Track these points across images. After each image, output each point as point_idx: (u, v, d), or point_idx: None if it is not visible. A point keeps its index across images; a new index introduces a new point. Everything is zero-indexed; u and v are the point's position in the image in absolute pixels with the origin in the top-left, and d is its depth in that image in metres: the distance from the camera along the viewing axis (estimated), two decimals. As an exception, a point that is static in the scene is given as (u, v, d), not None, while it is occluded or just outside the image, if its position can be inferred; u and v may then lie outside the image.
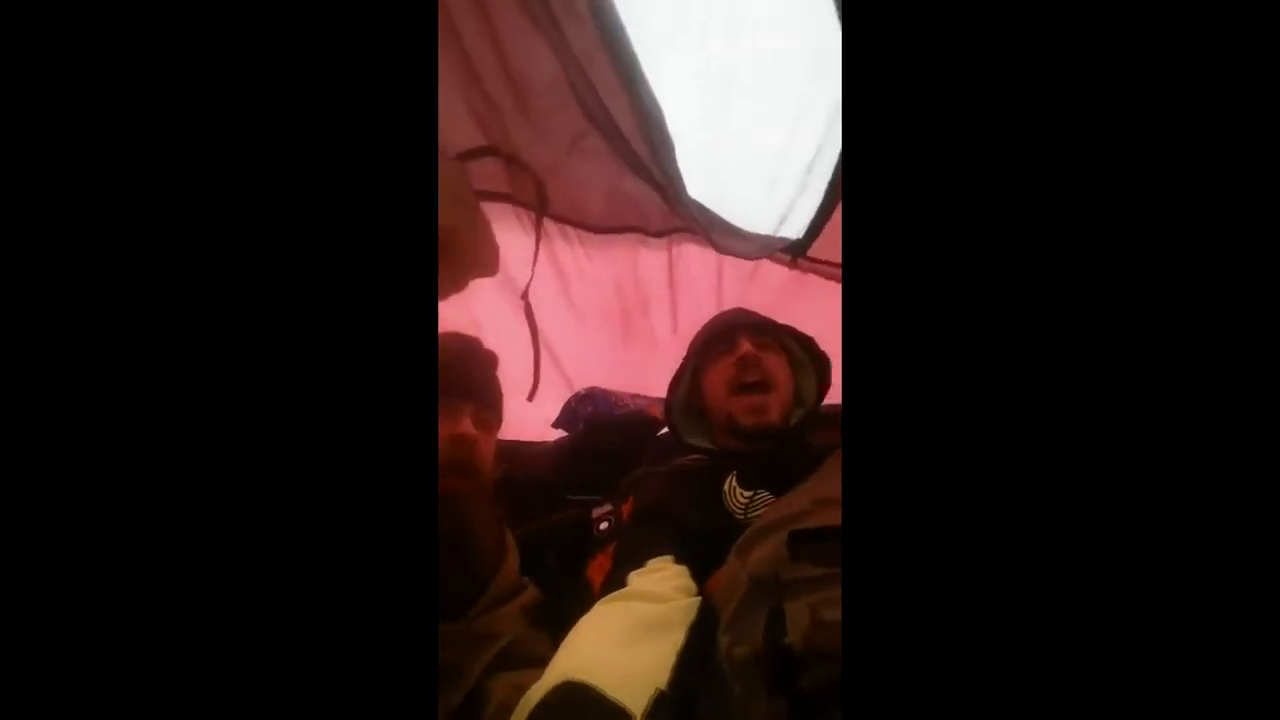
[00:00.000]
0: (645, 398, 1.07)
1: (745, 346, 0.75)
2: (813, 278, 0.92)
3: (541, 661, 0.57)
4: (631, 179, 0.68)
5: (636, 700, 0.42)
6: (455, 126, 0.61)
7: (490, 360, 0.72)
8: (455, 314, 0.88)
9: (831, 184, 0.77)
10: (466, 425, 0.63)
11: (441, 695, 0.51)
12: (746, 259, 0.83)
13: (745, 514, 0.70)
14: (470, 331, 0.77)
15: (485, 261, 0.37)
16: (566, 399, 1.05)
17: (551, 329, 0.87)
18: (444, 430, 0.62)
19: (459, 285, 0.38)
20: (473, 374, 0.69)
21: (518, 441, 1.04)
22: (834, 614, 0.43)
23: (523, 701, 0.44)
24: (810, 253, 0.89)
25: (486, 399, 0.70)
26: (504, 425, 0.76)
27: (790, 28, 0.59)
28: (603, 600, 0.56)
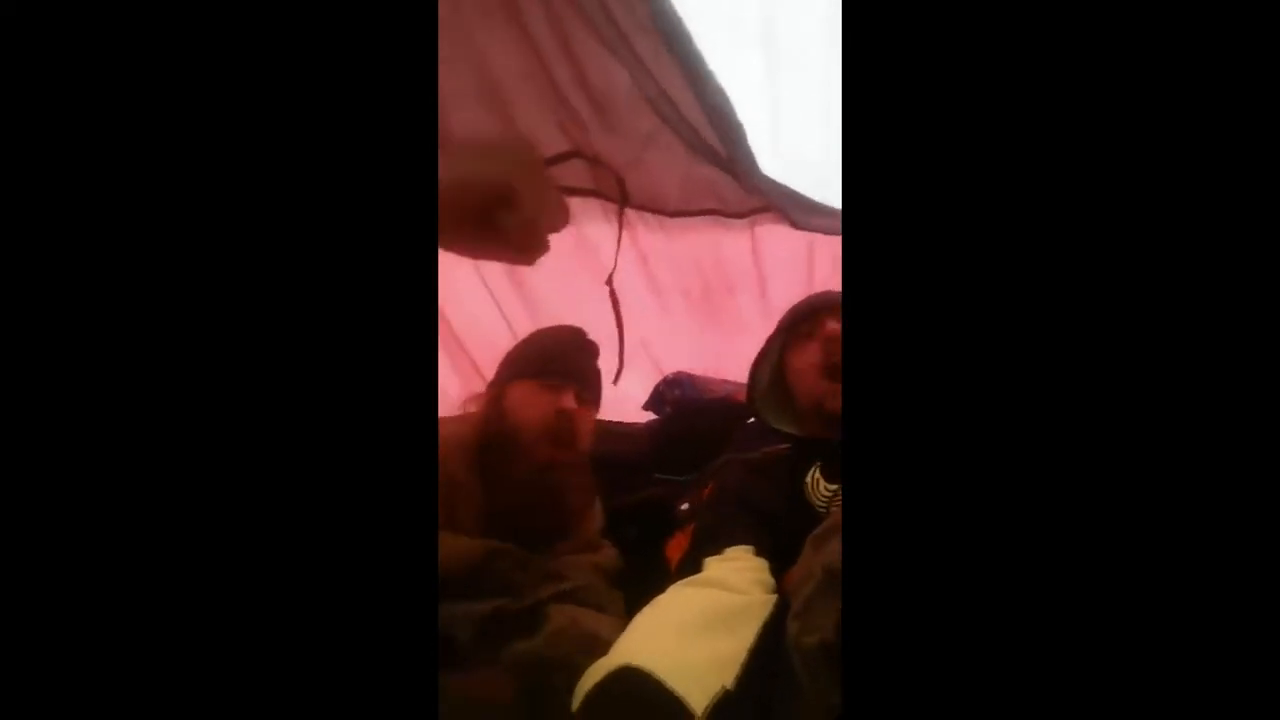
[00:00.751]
0: (733, 383, 1.08)
1: (830, 327, 0.72)
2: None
3: (605, 609, 0.62)
4: (704, 166, 0.72)
5: (699, 695, 0.40)
6: (543, 135, 0.71)
7: (593, 349, 0.83)
8: (548, 302, 0.99)
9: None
10: (569, 401, 0.73)
11: (500, 606, 0.57)
12: (829, 234, 0.82)
13: (828, 508, 0.68)
14: (563, 317, 0.87)
15: (553, 217, 0.41)
16: (656, 383, 1.11)
17: (638, 314, 0.94)
18: (549, 404, 0.72)
19: (536, 242, 0.41)
20: (577, 359, 0.80)
21: (613, 422, 1.12)
22: None
23: (582, 679, 0.43)
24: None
25: (588, 381, 0.80)
26: (601, 408, 0.85)
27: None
28: (677, 584, 0.56)
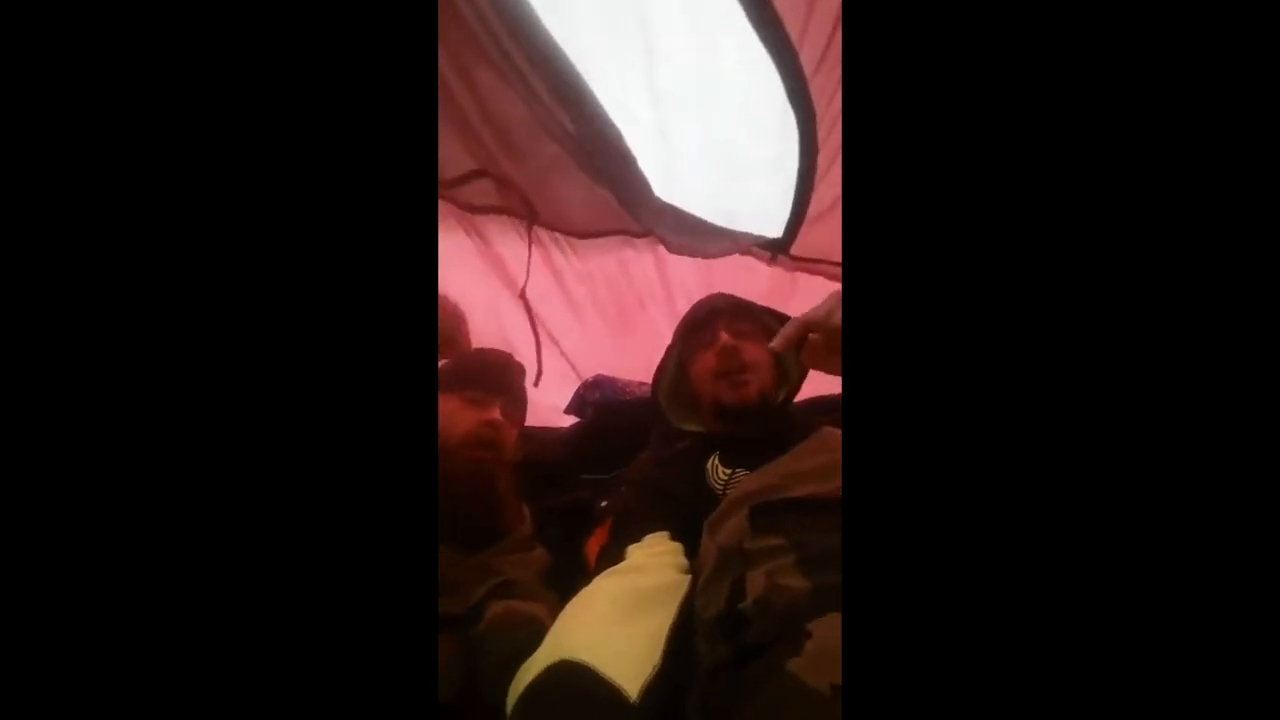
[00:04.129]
0: (649, 385, 1.14)
1: (724, 338, 0.79)
2: (799, 275, 0.95)
3: (539, 599, 0.64)
4: (603, 190, 0.78)
5: (633, 679, 0.42)
6: (450, 157, 0.75)
7: (520, 370, 0.88)
8: (473, 316, 1.02)
9: (800, 181, 0.81)
10: (496, 413, 0.78)
11: (442, 606, 0.57)
12: (707, 258, 0.89)
13: (724, 490, 0.73)
14: (489, 334, 0.91)
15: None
16: (576, 387, 1.16)
17: (555, 326, 0.99)
18: (478, 415, 0.76)
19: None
20: (505, 378, 0.85)
21: (538, 428, 1.16)
22: (786, 579, 0.47)
23: (518, 676, 0.44)
24: (794, 250, 0.93)
25: (514, 396, 0.85)
26: (526, 414, 0.89)
27: (720, 40, 0.66)
28: (601, 575, 0.58)
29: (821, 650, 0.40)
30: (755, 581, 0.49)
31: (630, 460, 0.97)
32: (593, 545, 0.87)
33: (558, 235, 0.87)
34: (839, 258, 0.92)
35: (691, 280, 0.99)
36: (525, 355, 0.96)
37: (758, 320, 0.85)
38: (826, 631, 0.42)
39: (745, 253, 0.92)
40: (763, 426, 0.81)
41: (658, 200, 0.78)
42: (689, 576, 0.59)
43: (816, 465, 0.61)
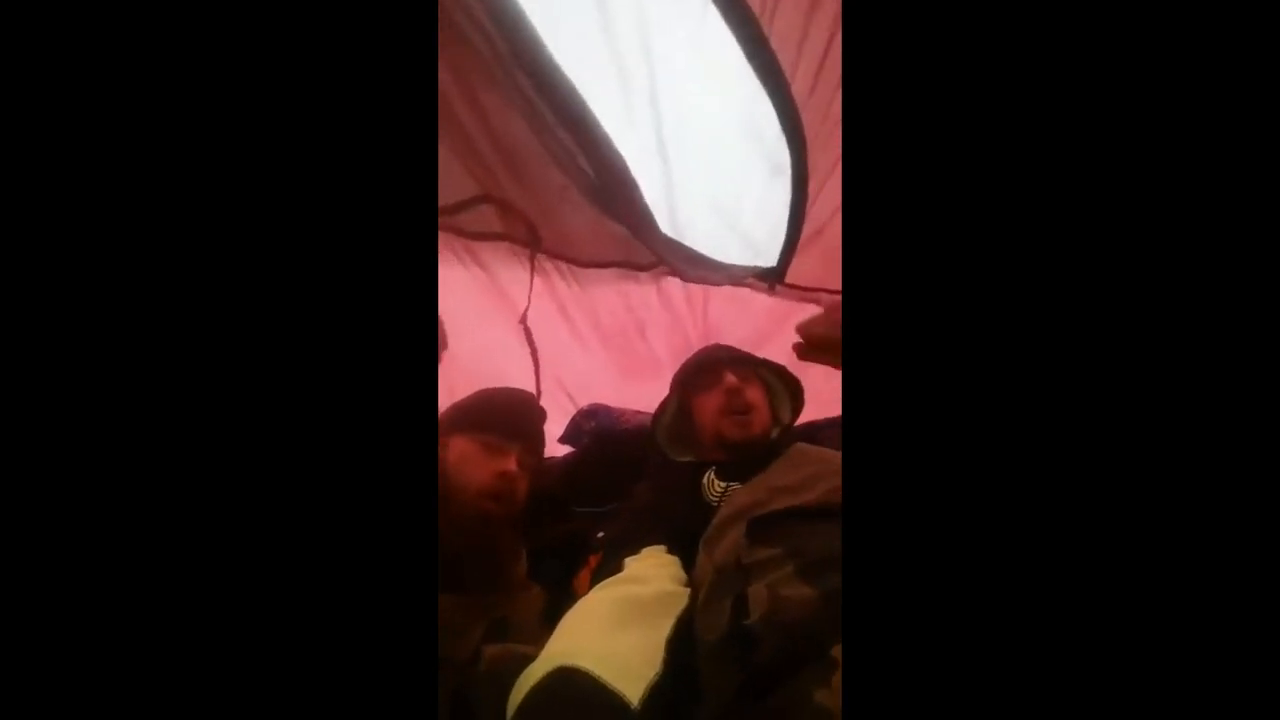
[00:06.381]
0: (646, 414, 1.14)
1: (730, 380, 0.84)
2: (792, 303, 0.98)
3: (536, 639, 0.61)
4: (610, 221, 0.79)
5: (634, 687, 0.42)
6: (454, 181, 0.75)
7: (541, 415, 0.86)
8: (470, 344, 1.01)
9: (792, 213, 0.84)
10: (512, 464, 0.75)
11: (442, 650, 0.55)
12: (715, 286, 0.91)
13: (719, 503, 0.75)
14: (485, 361, 0.90)
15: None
16: (572, 415, 1.14)
17: (554, 354, 0.98)
18: (492, 466, 0.73)
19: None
20: (524, 422, 0.83)
21: (532, 457, 1.13)
22: (790, 590, 0.47)
23: (519, 682, 0.44)
24: (789, 279, 0.95)
25: (531, 444, 0.82)
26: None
27: (718, 87, 0.69)
28: (600, 585, 0.58)
29: None
30: (758, 596, 0.48)
31: (626, 493, 0.97)
32: (584, 577, 0.86)
33: (560, 264, 0.87)
34: (832, 284, 0.95)
35: (691, 312, 1.00)
36: (521, 382, 0.94)
37: (755, 368, 0.93)
38: None
39: (741, 283, 0.94)
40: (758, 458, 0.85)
41: (662, 234, 0.80)
42: (687, 589, 0.58)
43: (798, 479, 0.63)
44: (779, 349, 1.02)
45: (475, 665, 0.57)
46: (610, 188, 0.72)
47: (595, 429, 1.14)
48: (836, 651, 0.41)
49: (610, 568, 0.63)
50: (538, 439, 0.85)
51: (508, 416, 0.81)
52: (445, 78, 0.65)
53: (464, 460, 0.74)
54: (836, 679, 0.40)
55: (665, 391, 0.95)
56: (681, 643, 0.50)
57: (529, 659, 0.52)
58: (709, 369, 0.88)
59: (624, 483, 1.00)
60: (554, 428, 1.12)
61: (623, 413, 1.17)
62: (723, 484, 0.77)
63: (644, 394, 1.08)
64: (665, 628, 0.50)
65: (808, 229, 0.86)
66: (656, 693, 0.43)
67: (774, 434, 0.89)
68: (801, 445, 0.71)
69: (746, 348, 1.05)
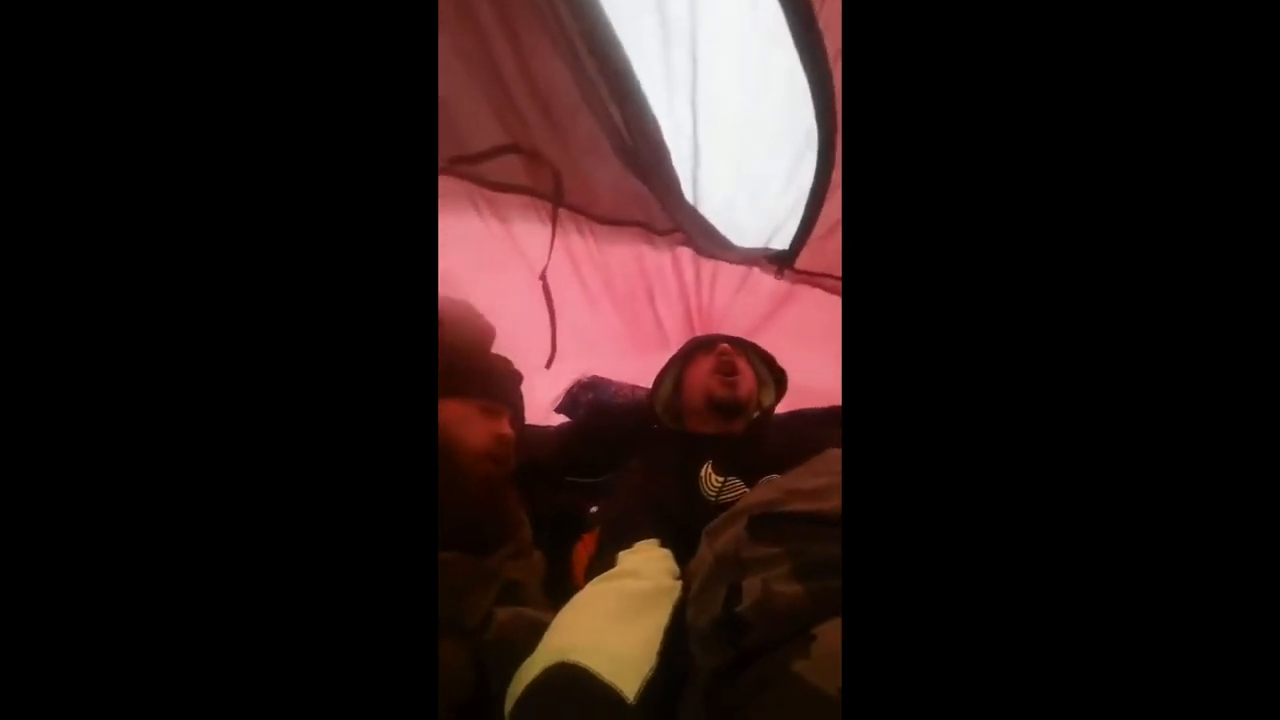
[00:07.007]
0: (643, 389, 1.14)
1: (723, 347, 0.91)
2: (800, 287, 0.99)
3: (541, 604, 0.64)
4: (635, 180, 0.79)
5: (630, 681, 0.43)
6: (481, 126, 0.74)
7: (518, 378, 0.91)
8: (481, 297, 0.99)
9: (811, 199, 0.86)
10: (506, 426, 0.80)
11: (453, 613, 0.58)
12: (729, 263, 0.93)
13: (717, 497, 0.78)
14: (494, 316, 0.90)
15: None
16: (569, 385, 1.13)
17: (564, 310, 0.97)
18: (492, 429, 0.78)
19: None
20: (510, 386, 0.89)
21: (526, 426, 1.12)
22: (782, 586, 0.48)
23: (516, 677, 0.45)
24: (798, 264, 0.97)
25: (516, 407, 0.90)
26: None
27: (762, 53, 0.70)
28: (595, 580, 0.59)
29: (827, 654, 0.41)
30: (752, 587, 0.50)
31: (619, 464, 0.98)
32: (581, 552, 0.87)
33: (579, 218, 0.86)
34: (839, 272, 0.98)
35: (699, 283, 1.01)
36: (531, 339, 0.93)
37: (750, 351, 1.01)
38: (832, 635, 0.42)
39: (754, 264, 0.95)
40: (748, 429, 0.93)
41: (686, 202, 0.80)
42: (680, 583, 0.60)
43: (817, 486, 0.64)
44: (775, 334, 1.05)
45: (486, 630, 0.58)
46: (640, 147, 0.72)
47: (592, 400, 1.14)
48: (817, 629, 0.43)
49: (603, 563, 0.64)
50: (519, 403, 0.91)
51: (499, 381, 0.86)
52: (489, 16, 0.64)
53: (464, 423, 0.76)
54: (815, 649, 0.42)
55: (664, 363, 1.00)
56: (677, 631, 0.51)
57: (539, 626, 0.54)
58: (707, 341, 0.97)
59: (617, 457, 1.01)
60: (555, 388, 1.11)
61: (620, 386, 1.17)
62: (720, 479, 0.79)
63: (644, 364, 1.09)
64: (661, 622, 0.51)
65: (827, 217, 0.88)
66: (653, 686, 0.44)
67: (764, 403, 0.98)
68: (834, 451, 0.72)
69: (744, 328, 1.06)
